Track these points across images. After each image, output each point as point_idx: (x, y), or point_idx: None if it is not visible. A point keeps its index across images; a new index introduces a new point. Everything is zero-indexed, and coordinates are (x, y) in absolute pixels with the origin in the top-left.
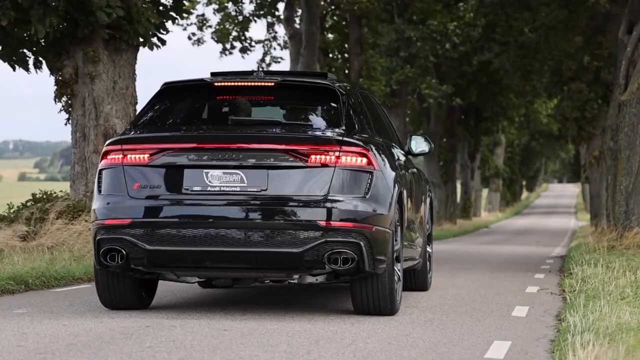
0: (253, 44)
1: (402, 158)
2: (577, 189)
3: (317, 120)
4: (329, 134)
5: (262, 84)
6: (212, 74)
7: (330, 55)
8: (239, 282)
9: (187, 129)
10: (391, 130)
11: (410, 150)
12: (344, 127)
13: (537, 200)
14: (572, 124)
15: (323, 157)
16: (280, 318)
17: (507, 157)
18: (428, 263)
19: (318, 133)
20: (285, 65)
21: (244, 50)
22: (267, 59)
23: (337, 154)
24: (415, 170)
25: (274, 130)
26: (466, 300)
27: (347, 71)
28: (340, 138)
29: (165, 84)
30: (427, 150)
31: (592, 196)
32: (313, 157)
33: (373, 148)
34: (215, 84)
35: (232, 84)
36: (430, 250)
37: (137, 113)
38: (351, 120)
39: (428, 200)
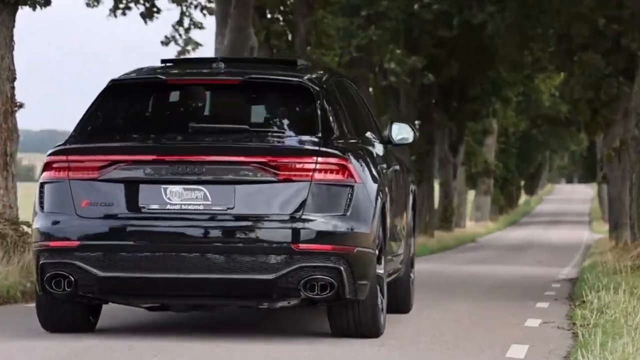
0: (162, 5)
1: (382, 153)
2: (591, 191)
3: (290, 126)
4: (303, 143)
5: (227, 81)
6: (163, 60)
7: (269, 16)
8: (200, 307)
9: (142, 137)
10: (369, 119)
11: (390, 139)
12: (320, 134)
13: (539, 206)
14: (585, 107)
15: (297, 170)
16: (243, 339)
17: (501, 149)
18: (411, 276)
19: (291, 142)
20: (210, 33)
21: (148, 15)
22: (186, 22)
23: (313, 166)
24: (397, 167)
25: (241, 139)
26: (447, 336)
27: (290, 37)
28: (317, 148)
29: (112, 81)
30: (410, 140)
31: (611, 200)
32: (286, 170)
33: (354, 157)
34: (171, 81)
35: (192, 81)
36: (413, 250)
37: (82, 116)
38: (328, 125)
39: (411, 198)
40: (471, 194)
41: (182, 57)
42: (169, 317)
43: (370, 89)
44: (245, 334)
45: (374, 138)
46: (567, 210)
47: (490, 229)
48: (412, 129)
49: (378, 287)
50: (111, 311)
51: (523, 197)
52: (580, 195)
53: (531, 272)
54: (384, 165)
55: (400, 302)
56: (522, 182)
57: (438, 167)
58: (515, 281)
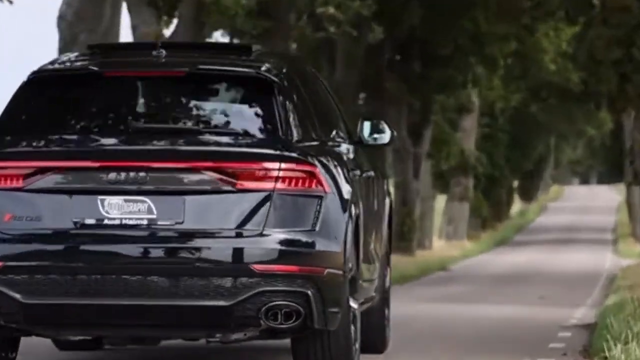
0: None
1: (353, 156)
2: (616, 197)
3: (247, 126)
4: (264, 146)
5: (171, 73)
6: (91, 46)
7: None
8: (140, 341)
9: (75, 140)
10: (336, 114)
11: (361, 139)
12: (283, 136)
13: (540, 217)
14: (609, 72)
15: (257, 178)
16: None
17: (484, 135)
18: (386, 308)
19: (250, 145)
20: None
21: None
22: None
23: (275, 173)
24: (371, 173)
25: (191, 142)
26: None
27: None
28: (280, 152)
29: (34, 73)
30: (385, 140)
31: None
32: (244, 178)
33: (322, 162)
34: (105, 73)
35: (129, 73)
36: (389, 276)
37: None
38: (292, 124)
39: (387, 211)
40: (441, 201)
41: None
42: (98, 357)
43: (295, 44)
44: None
45: (343, 138)
46: (582, 224)
47: (469, 251)
48: (388, 127)
49: (351, 316)
50: (30, 347)
51: (517, 205)
52: (601, 202)
53: (530, 314)
54: (357, 172)
55: (373, 339)
56: (516, 183)
57: (392, 160)
58: (506, 328)
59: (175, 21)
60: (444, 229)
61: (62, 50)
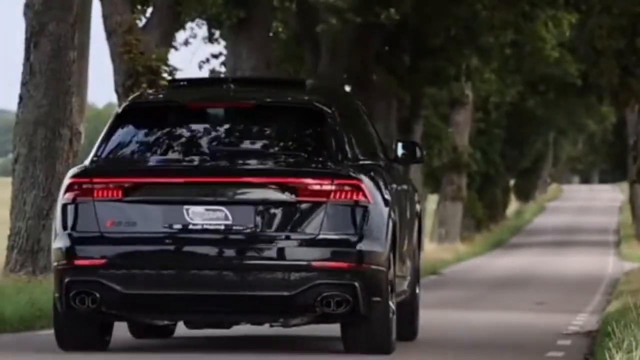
0: None
1: (391, 172)
2: (619, 196)
3: (305, 148)
4: (320, 165)
5: (241, 104)
6: (172, 80)
7: None
8: (215, 325)
9: (163, 159)
10: (376, 137)
11: (396, 158)
12: (334, 156)
13: (539, 218)
14: (611, 63)
15: (314, 191)
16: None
17: (479, 130)
18: (415, 302)
19: (308, 164)
20: None
21: None
22: None
23: (329, 187)
24: (405, 187)
25: (260, 161)
26: None
27: None
28: (332, 170)
29: (129, 103)
30: (417, 158)
31: None
32: (304, 191)
33: (367, 178)
34: (187, 104)
35: (207, 104)
36: (419, 275)
37: (101, 138)
38: (342, 146)
39: (417, 220)
40: (432, 200)
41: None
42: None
43: (272, 35)
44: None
45: (381, 157)
46: (582, 225)
47: (462, 254)
48: (418, 147)
49: (389, 305)
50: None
51: (514, 205)
52: (603, 202)
53: (527, 321)
54: (393, 185)
55: (405, 328)
56: (512, 182)
57: None
58: (501, 336)
59: (149, 10)
60: (435, 231)
61: (29, 40)
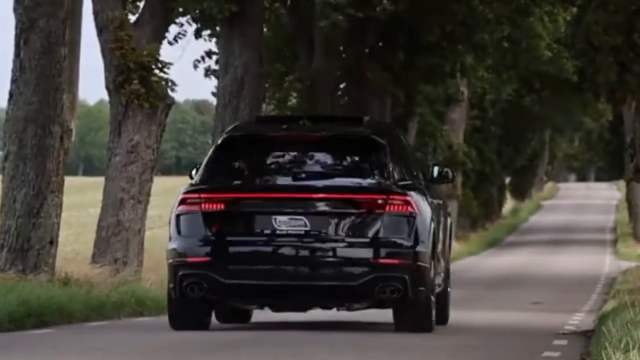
0: None
1: (430, 190)
2: (616, 194)
3: (365, 171)
4: (379, 184)
5: (315, 136)
6: (259, 118)
7: None
8: (295, 309)
9: (255, 179)
10: (416, 160)
11: (432, 178)
12: (389, 178)
13: (535, 216)
14: (608, 61)
15: (374, 204)
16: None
17: (474, 128)
18: (448, 291)
19: (370, 184)
20: None
21: None
22: None
23: (385, 202)
24: (440, 201)
25: (331, 181)
26: None
27: None
28: (387, 188)
29: (226, 135)
30: (448, 179)
31: None
32: (366, 204)
33: (413, 194)
34: (273, 136)
35: (289, 136)
36: (449, 271)
37: (205, 162)
38: (394, 169)
39: (449, 227)
40: None
41: (275, 115)
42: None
43: (266, 30)
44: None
45: (422, 178)
46: (579, 224)
47: (457, 253)
48: (450, 170)
49: (430, 294)
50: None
51: (510, 204)
52: (599, 200)
53: (523, 320)
54: (432, 200)
55: (439, 315)
56: (508, 180)
57: None
58: (497, 336)
59: (141, 5)
60: None
61: (19, 36)
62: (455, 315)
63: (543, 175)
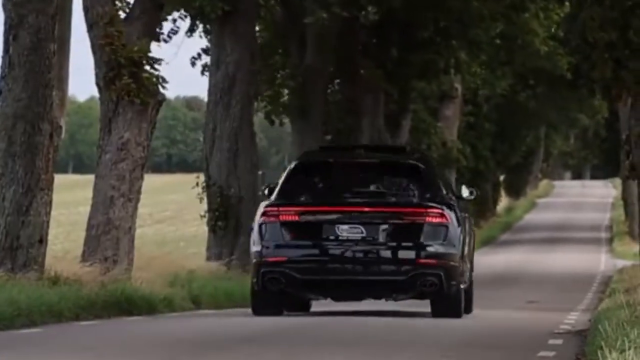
0: None
1: (459, 205)
2: (612, 192)
3: (409, 190)
4: (420, 200)
5: (370, 162)
6: (322, 147)
7: None
8: (353, 298)
9: (321, 196)
10: (447, 181)
11: (460, 196)
12: (427, 195)
13: (530, 214)
14: (603, 56)
15: (417, 216)
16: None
17: (468, 124)
18: (472, 287)
19: (413, 200)
20: None
21: None
22: None
23: (424, 214)
24: (466, 215)
25: (382, 198)
26: None
27: None
28: (426, 203)
29: (298, 161)
30: (472, 197)
31: None
32: (410, 216)
33: (446, 208)
34: (335, 162)
35: (348, 162)
36: (472, 271)
37: (281, 182)
38: (430, 188)
39: (472, 234)
40: None
41: (336, 144)
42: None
43: (259, 29)
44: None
45: (452, 195)
46: (574, 222)
47: None
48: (475, 190)
49: (461, 288)
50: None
51: (504, 201)
52: (595, 198)
53: (517, 320)
54: (460, 213)
55: (466, 304)
56: (502, 178)
57: None
58: (491, 335)
59: (131, 1)
60: None
61: (8, 32)
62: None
63: (538, 172)
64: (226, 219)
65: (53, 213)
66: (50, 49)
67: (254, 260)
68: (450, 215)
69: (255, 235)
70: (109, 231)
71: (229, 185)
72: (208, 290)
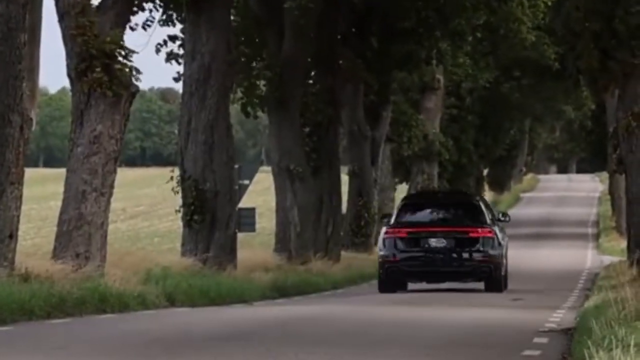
0: None
1: (499, 224)
2: (599, 186)
3: (471, 217)
4: (478, 224)
5: (448, 201)
6: (418, 192)
7: None
8: (438, 281)
9: (419, 220)
10: (492, 210)
11: (499, 219)
12: (481, 219)
13: (513, 210)
14: (589, 46)
15: (475, 232)
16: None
17: (450, 117)
18: (506, 274)
19: (474, 223)
20: None
21: None
22: None
23: (480, 231)
24: (503, 230)
25: (455, 222)
26: None
27: None
28: (481, 225)
29: (404, 202)
30: (507, 220)
31: (630, 201)
32: (472, 233)
33: (493, 227)
34: (426, 200)
35: (433, 200)
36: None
37: (395, 213)
38: (483, 215)
39: (507, 242)
40: (401, 191)
41: (425, 190)
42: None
43: (234, 17)
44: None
45: (494, 219)
46: (560, 217)
47: None
48: (508, 215)
49: (505, 270)
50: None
51: (488, 196)
52: (581, 193)
53: (502, 318)
54: (500, 229)
55: (504, 284)
56: (486, 171)
57: (347, 146)
58: (475, 334)
59: None
60: None
61: None
62: (433, 312)
63: (522, 166)
64: (202, 213)
65: (23, 208)
66: (21, 39)
67: (380, 260)
68: (495, 231)
69: (380, 245)
70: (80, 227)
71: (205, 179)
72: (183, 287)
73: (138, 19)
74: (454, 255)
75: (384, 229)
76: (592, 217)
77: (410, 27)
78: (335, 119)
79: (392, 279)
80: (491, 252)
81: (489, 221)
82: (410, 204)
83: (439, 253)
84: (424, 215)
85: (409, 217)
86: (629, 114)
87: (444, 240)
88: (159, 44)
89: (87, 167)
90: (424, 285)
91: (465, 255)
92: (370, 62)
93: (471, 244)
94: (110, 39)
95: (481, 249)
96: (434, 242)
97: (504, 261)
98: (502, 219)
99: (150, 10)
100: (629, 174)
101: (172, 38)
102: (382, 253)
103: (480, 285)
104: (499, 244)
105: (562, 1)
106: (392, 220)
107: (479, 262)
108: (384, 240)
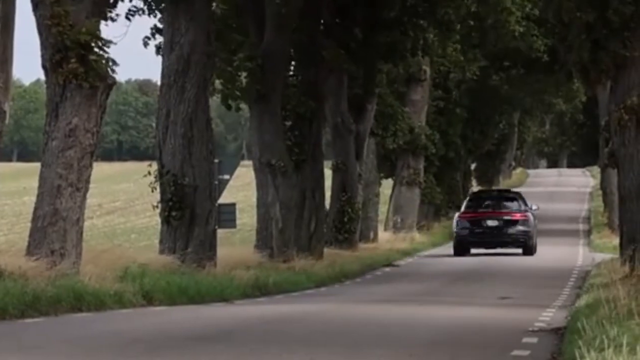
0: None
1: (532, 211)
2: (590, 181)
3: (515, 205)
4: (520, 210)
5: (499, 195)
6: (479, 190)
7: None
8: (491, 247)
9: (480, 208)
10: (525, 200)
11: (531, 207)
12: (520, 207)
13: None
14: (580, 39)
15: (517, 215)
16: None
17: (437, 110)
18: (536, 243)
19: (516, 209)
20: None
21: None
22: None
23: (519, 214)
24: (534, 215)
25: (505, 209)
26: None
27: None
28: (521, 210)
29: (471, 196)
30: (537, 210)
31: (623, 197)
32: (516, 216)
33: (527, 213)
34: (487, 194)
35: (492, 194)
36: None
37: (465, 203)
38: (521, 204)
39: (536, 223)
40: (387, 186)
41: (484, 189)
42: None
43: (216, 6)
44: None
45: (529, 208)
46: (551, 213)
47: (420, 244)
48: (537, 206)
49: (534, 241)
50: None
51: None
52: (573, 188)
53: (490, 317)
54: (533, 213)
55: (534, 250)
56: (474, 166)
57: (330, 139)
58: (462, 334)
59: None
60: (390, 219)
61: None
62: (418, 311)
63: (511, 160)
64: (180, 209)
65: None
66: None
67: (455, 234)
68: (528, 215)
69: (454, 223)
70: (55, 223)
71: (184, 174)
72: (161, 285)
73: (120, 9)
74: (503, 231)
75: (457, 214)
76: (583, 213)
77: (395, 17)
78: (319, 111)
79: (462, 246)
80: (526, 229)
81: (524, 209)
82: (474, 198)
83: (493, 229)
84: (483, 204)
85: (473, 206)
86: (622, 106)
87: (496, 221)
88: (146, 36)
89: (62, 161)
90: (480, 251)
91: (510, 231)
92: (354, 53)
93: (513, 224)
94: (86, 29)
95: (519, 227)
96: (489, 222)
97: (535, 235)
98: (534, 208)
99: (131, 0)
100: (621, 168)
101: (159, 30)
102: (456, 230)
103: (519, 251)
104: (532, 224)
105: None
106: (462, 209)
107: (518, 235)
108: (457, 221)
